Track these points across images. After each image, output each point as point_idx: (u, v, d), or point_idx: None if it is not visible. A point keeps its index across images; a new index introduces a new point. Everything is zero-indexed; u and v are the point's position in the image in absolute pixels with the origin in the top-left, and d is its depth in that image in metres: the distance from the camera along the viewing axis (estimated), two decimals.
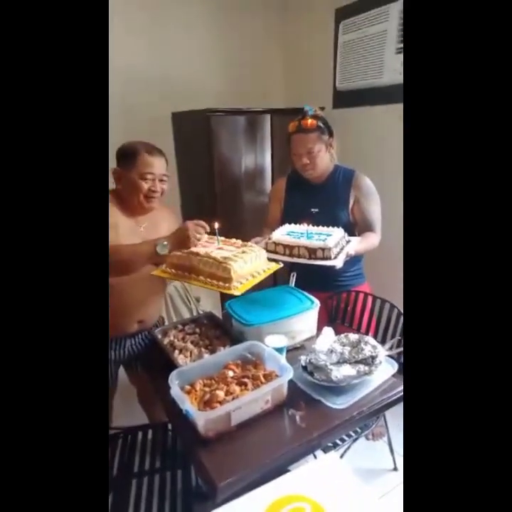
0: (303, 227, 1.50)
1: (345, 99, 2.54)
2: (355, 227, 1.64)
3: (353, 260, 1.54)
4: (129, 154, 1.32)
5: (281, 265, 1.40)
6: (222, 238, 1.36)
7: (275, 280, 2.87)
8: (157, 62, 2.56)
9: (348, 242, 1.48)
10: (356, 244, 1.46)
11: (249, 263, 1.24)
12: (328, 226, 1.51)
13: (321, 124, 1.55)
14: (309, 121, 1.54)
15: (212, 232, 1.32)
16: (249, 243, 1.36)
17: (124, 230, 1.33)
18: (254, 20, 2.81)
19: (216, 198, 2.46)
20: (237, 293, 1.17)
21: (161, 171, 1.34)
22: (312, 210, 1.65)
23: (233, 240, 1.37)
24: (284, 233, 1.48)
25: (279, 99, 3.03)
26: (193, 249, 1.25)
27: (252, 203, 2.62)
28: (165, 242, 1.21)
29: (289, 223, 1.60)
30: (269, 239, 1.44)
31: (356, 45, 2.38)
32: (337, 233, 1.44)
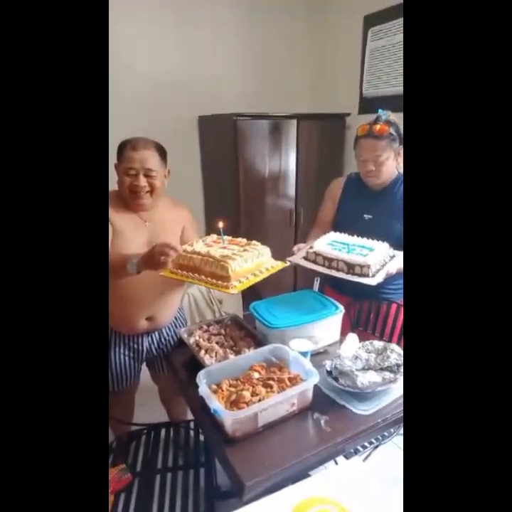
0: (346, 237, 1.48)
1: (371, 105, 2.54)
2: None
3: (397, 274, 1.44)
4: (119, 150, 1.34)
5: (288, 264, 1.38)
6: (229, 238, 1.36)
7: (295, 284, 2.89)
8: (183, 64, 2.62)
9: (392, 257, 1.42)
10: (400, 262, 1.39)
11: (249, 261, 1.23)
12: (379, 235, 1.46)
13: (392, 131, 1.46)
14: (381, 126, 1.45)
15: (218, 232, 1.33)
16: (254, 242, 1.34)
17: (128, 225, 1.34)
18: (282, 24, 2.85)
19: (240, 200, 2.49)
20: (233, 292, 1.16)
21: (143, 165, 1.31)
22: (365, 216, 1.59)
23: (239, 239, 1.35)
24: (326, 243, 1.45)
25: (304, 104, 3.05)
26: (197, 248, 1.25)
27: (275, 206, 2.65)
28: (134, 261, 1.19)
29: (340, 228, 1.57)
30: (311, 248, 1.43)
31: (384, 52, 2.39)
32: (380, 248, 1.39)
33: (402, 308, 1.60)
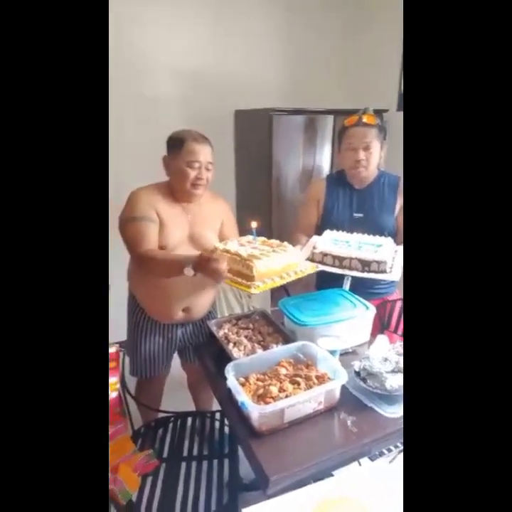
0: (347, 235, 1.46)
1: None
2: (396, 236, 1.57)
3: None
4: (176, 142, 1.36)
5: (319, 268, 1.34)
6: (262, 238, 1.34)
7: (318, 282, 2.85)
8: (220, 59, 2.62)
9: (395, 251, 1.41)
10: None
11: (276, 263, 1.21)
12: (371, 233, 1.45)
13: (380, 122, 1.51)
14: (370, 116, 1.48)
15: (249, 228, 1.32)
16: (285, 243, 1.31)
17: (171, 217, 1.38)
18: (319, 19, 2.80)
19: (271, 196, 2.48)
20: (254, 292, 1.14)
21: (206, 158, 1.36)
22: (355, 215, 1.59)
23: (271, 241, 1.33)
24: (329, 242, 1.42)
25: (340, 100, 3.00)
26: (228, 247, 1.27)
27: None
28: (190, 267, 1.21)
29: (330, 228, 1.54)
30: (315, 248, 1.39)
31: None
32: (387, 243, 1.37)
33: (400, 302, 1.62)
